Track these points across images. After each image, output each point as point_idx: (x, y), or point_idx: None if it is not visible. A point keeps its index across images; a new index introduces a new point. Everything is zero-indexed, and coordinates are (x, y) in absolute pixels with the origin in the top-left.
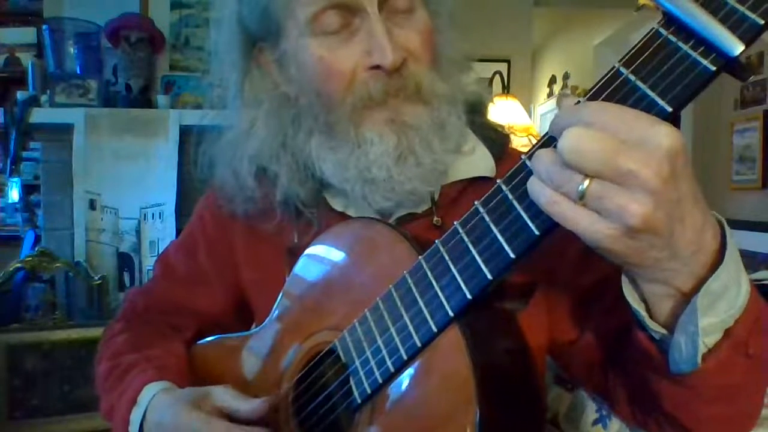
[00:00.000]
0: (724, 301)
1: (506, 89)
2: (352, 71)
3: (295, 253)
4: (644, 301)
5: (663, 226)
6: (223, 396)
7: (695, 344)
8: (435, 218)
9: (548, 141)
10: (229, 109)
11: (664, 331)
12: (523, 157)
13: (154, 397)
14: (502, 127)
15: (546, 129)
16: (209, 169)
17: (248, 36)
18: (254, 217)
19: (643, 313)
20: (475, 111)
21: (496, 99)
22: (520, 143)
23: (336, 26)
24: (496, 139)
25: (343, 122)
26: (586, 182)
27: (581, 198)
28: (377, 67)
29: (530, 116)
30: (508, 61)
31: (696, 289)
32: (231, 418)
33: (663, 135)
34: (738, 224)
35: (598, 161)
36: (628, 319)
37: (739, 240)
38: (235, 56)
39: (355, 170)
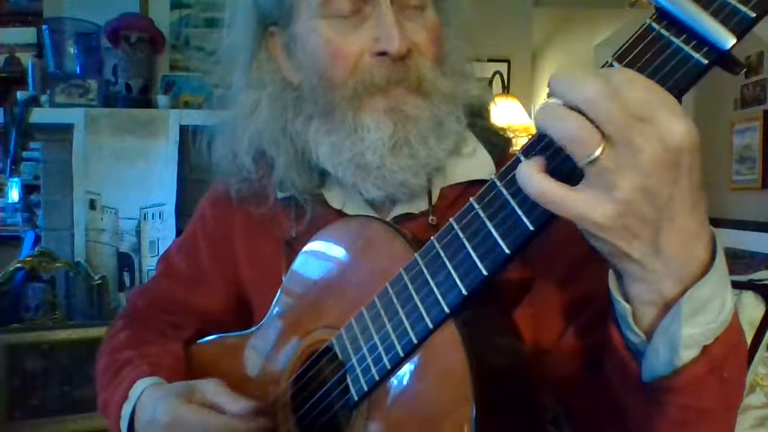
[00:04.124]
0: (706, 314)
1: (506, 89)
2: (357, 56)
3: (292, 246)
4: (628, 303)
5: (649, 214)
6: (215, 391)
7: (675, 345)
8: (431, 218)
9: (541, 138)
10: (234, 89)
11: (643, 336)
12: (517, 153)
13: (143, 392)
14: (505, 130)
15: None
16: (208, 148)
17: (262, 18)
18: (248, 200)
19: (626, 305)
20: (478, 114)
21: (496, 99)
22: (520, 144)
23: (347, 11)
24: (498, 143)
25: (342, 106)
26: (598, 150)
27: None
28: (383, 53)
29: (530, 116)
30: (508, 61)
31: (681, 296)
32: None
33: (680, 124)
34: (738, 224)
35: (613, 124)
36: (600, 340)
37: (739, 240)
38: (247, 37)
39: (349, 154)
